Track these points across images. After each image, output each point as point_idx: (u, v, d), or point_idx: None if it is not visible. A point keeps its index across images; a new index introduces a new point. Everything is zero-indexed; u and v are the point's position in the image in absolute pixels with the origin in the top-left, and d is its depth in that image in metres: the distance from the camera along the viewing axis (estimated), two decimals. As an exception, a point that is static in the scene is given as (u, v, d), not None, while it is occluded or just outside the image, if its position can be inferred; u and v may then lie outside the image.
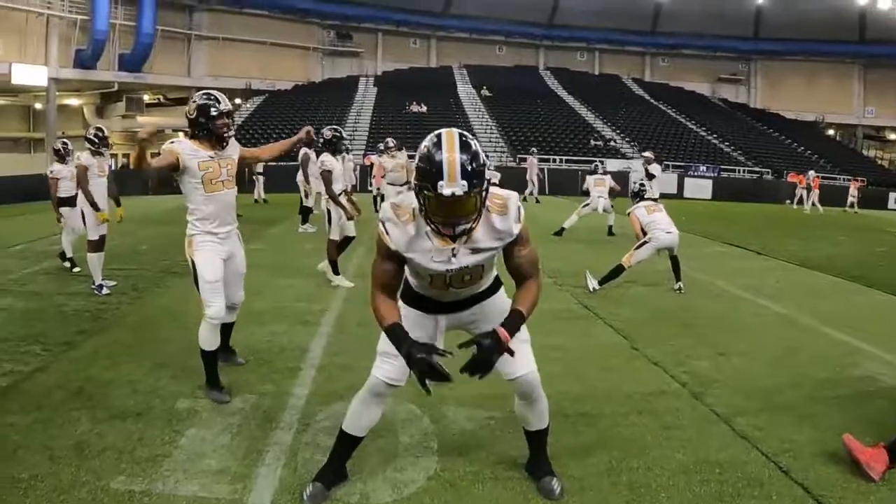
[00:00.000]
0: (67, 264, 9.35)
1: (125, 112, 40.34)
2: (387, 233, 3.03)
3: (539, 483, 3.47)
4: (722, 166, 36.77)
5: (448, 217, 2.89)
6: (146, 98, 42.66)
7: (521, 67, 52.03)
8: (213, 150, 4.62)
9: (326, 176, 8.50)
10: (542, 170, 29.08)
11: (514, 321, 3.03)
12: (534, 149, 28.82)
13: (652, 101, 47.54)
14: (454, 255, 3.02)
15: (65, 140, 10.25)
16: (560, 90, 48.32)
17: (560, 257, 10.95)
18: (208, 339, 4.63)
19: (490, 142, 36.75)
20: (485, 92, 44.45)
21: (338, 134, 8.99)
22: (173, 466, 3.60)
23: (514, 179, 22.22)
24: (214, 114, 4.55)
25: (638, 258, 8.53)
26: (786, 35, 50.19)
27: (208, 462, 3.67)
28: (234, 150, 4.81)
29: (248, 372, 5.16)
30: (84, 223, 8.33)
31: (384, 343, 3.20)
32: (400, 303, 3.26)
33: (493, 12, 49.06)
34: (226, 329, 5.08)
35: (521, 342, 3.24)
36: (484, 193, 2.90)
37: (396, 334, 2.99)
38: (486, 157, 2.97)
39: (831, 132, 52.53)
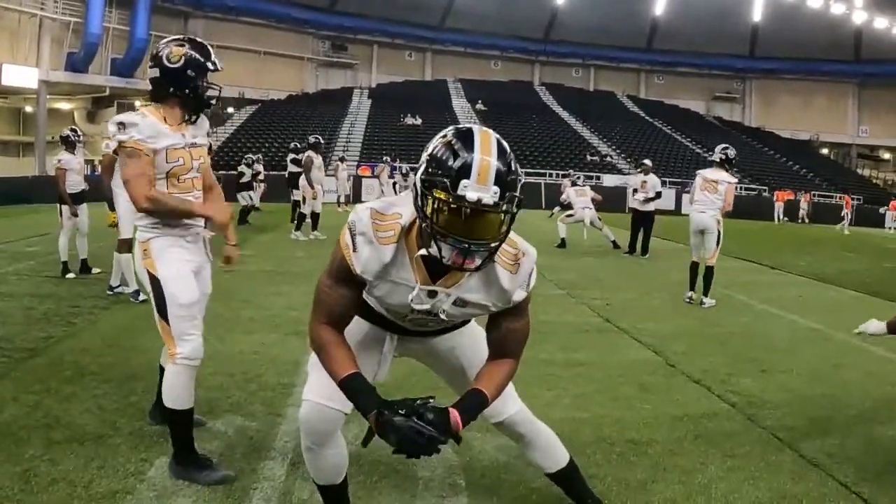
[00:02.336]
0: (72, 275, 8.48)
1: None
2: (354, 249, 2.18)
3: None
4: (717, 182, 36.43)
5: (463, 234, 1.98)
6: (138, 104, 41.92)
7: (516, 82, 51.94)
8: (181, 131, 3.34)
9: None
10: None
11: (472, 405, 2.20)
12: (572, 171, 28.08)
13: (647, 118, 47.61)
14: (431, 297, 2.24)
15: (73, 127, 9.42)
16: (555, 106, 48.29)
17: (573, 269, 10.56)
18: (181, 391, 3.19)
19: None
20: (479, 106, 44.20)
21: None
22: (138, 505, 2.90)
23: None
24: (211, 68, 3.36)
25: None
26: (781, 54, 50.39)
27: (182, 501, 2.98)
28: (202, 133, 3.53)
29: (232, 388, 4.46)
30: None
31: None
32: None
33: (489, 27, 49.07)
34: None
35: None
36: (512, 218, 2.05)
37: (355, 389, 2.15)
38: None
39: (825, 151, 52.59)
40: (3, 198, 20.50)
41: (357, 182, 30.51)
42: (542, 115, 45.37)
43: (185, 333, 3.19)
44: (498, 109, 43.17)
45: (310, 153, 13.67)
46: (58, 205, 8.81)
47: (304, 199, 13.88)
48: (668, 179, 33.51)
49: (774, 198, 34.33)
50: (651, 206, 13.43)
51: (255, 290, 7.87)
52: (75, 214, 8.63)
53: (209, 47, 3.42)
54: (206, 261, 3.50)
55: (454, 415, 2.09)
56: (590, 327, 6.89)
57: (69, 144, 8.86)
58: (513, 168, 2.03)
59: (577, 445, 3.61)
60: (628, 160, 37.31)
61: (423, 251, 2.11)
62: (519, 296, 2.28)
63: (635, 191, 13.72)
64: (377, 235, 2.16)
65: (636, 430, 4.04)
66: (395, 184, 27.55)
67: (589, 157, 36.90)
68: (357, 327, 2.46)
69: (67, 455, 3.34)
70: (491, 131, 2.09)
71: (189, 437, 3.23)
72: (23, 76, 32.80)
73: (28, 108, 37.72)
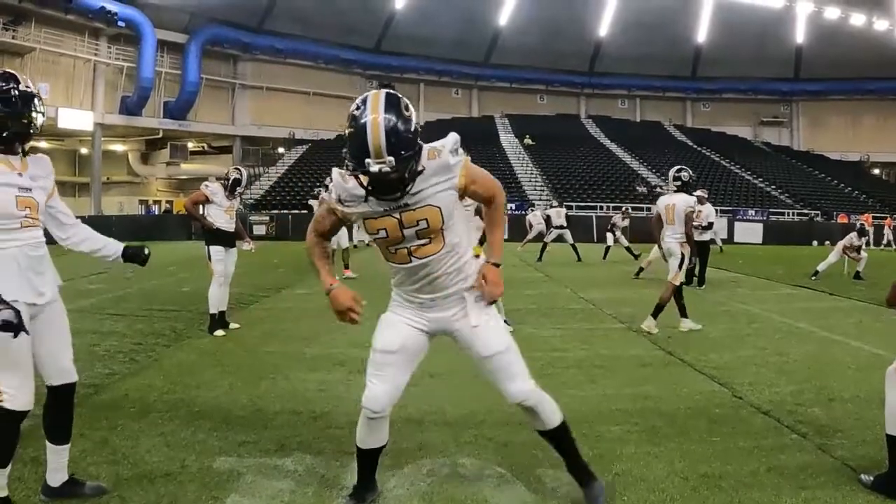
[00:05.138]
0: (221, 332, 7.59)
1: (169, 159, 40.87)
2: (329, 191, 3.11)
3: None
4: (770, 209, 35.88)
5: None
6: (190, 146, 43.07)
7: (562, 116, 52.08)
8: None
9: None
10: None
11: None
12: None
13: (694, 146, 47.18)
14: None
15: (239, 168, 8.34)
16: (602, 137, 48.21)
17: (631, 302, 10.36)
18: (358, 431, 3.31)
19: (535, 190, 36.37)
20: (527, 141, 44.22)
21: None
22: (210, 544, 2.85)
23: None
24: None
25: None
26: (827, 74, 49.76)
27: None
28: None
29: (300, 426, 4.42)
30: None
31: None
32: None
33: (534, 61, 49.45)
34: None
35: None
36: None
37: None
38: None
39: (877, 171, 51.23)
40: (61, 237, 20.90)
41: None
42: (589, 147, 45.35)
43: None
44: (546, 143, 43.24)
45: (322, 194, 13.44)
46: (206, 246, 7.84)
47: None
48: (719, 208, 33.08)
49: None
50: (706, 236, 13.17)
51: (316, 328, 7.84)
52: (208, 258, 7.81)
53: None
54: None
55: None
56: (653, 360, 6.70)
57: (232, 187, 7.96)
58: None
59: (650, 481, 3.55)
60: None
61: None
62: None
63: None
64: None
65: (708, 464, 3.90)
66: None
67: (638, 189, 36.54)
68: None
69: (137, 492, 3.33)
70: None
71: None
72: (78, 119, 33.93)
73: (83, 150, 38.90)
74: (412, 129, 2.79)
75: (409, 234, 2.96)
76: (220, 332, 7.55)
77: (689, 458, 3.96)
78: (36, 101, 3.13)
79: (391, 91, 2.84)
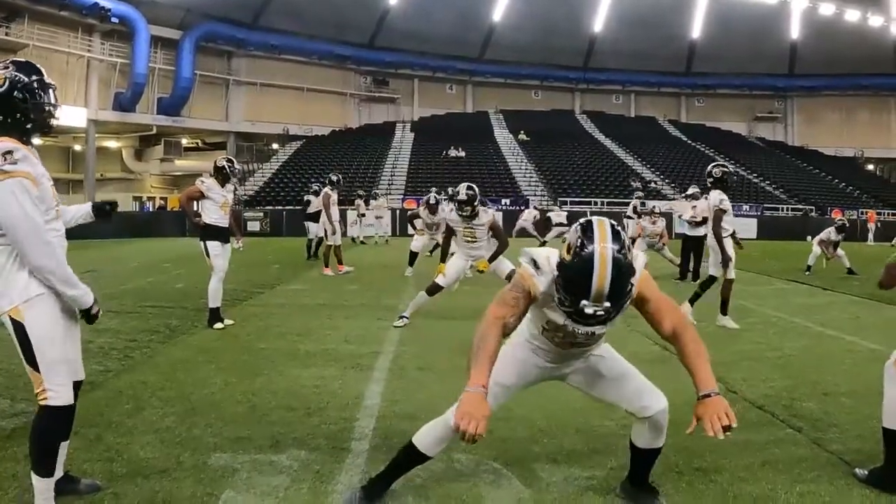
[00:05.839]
0: (220, 325, 7.64)
1: (163, 155, 40.77)
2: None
3: None
4: (765, 205, 35.96)
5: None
6: (184, 142, 42.96)
7: (557, 111, 52.03)
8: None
9: None
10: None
11: (708, 377, 2.80)
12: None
13: (689, 141, 47.23)
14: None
15: (231, 158, 8.35)
16: (597, 133, 48.24)
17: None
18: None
19: (529, 186, 36.36)
20: (522, 136, 44.25)
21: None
22: (205, 540, 2.84)
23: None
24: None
25: None
26: (821, 70, 49.84)
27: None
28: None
29: (295, 422, 4.41)
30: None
31: None
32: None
33: (528, 57, 49.41)
34: None
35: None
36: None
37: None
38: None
39: (871, 167, 51.34)
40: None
41: (402, 214, 30.38)
42: (584, 143, 45.34)
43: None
44: (540, 139, 43.28)
45: (326, 190, 13.49)
46: (201, 242, 7.81)
47: (326, 234, 13.53)
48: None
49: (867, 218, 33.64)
50: (701, 231, 13.18)
51: (310, 324, 7.87)
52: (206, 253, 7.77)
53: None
54: None
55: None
56: (649, 356, 6.68)
57: (223, 176, 7.93)
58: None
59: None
60: (673, 185, 36.93)
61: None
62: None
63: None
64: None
65: (703, 459, 3.92)
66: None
67: (633, 184, 36.56)
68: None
69: (131, 489, 3.31)
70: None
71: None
72: (72, 116, 33.71)
73: (77, 147, 38.74)
74: (633, 271, 2.64)
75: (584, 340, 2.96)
76: (219, 326, 7.59)
77: (683, 453, 3.95)
78: (54, 93, 3.14)
79: (614, 223, 2.64)
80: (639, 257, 2.75)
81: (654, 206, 14.36)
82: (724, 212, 8.12)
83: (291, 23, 42.96)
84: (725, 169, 8.50)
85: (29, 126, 3.05)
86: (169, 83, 38.78)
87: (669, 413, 3.15)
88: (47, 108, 3.11)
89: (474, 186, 7.72)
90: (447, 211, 7.73)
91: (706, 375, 2.74)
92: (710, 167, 8.59)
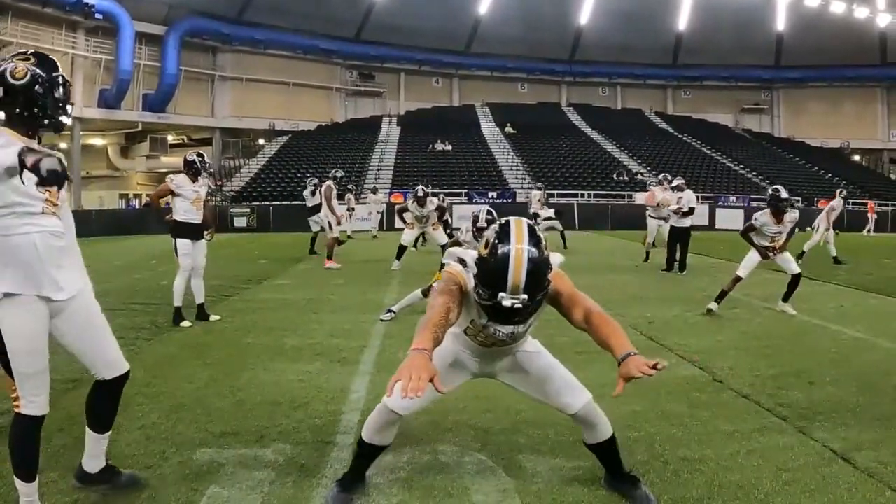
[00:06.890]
0: (187, 323, 7.60)
1: (149, 152, 40.50)
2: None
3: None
4: (751, 196, 36.08)
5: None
6: (170, 138, 42.73)
7: (543, 104, 51.91)
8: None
9: None
10: None
11: (624, 343, 2.79)
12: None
13: (676, 133, 47.27)
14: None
15: (202, 153, 8.14)
16: (583, 125, 48.18)
17: (612, 287, 10.50)
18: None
19: (517, 179, 36.30)
20: (508, 129, 44.21)
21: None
22: (190, 536, 2.84)
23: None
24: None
25: None
26: (807, 62, 49.94)
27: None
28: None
29: (280, 416, 4.42)
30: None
31: None
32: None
33: (514, 50, 49.25)
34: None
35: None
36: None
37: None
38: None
39: (857, 158, 51.59)
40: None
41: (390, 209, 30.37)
42: (570, 135, 45.27)
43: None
44: (526, 132, 43.20)
45: (329, 184, 13.66)
46: (172, 239, 7.75)
47: (329, 226, 13.65)
48: (700, 194, 33.23)
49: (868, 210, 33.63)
50: (687, 222, 13.21)
51: (296, 319, 7.88)
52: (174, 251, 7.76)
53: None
54: None
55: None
56: (635, 346, 6.73)
57: (193, 171, 7.78)
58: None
59: (630, 465, 3.58)
60: (659, 177, 36.95)
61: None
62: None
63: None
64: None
65: (688, 448, 3.96)
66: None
67: (616, 177, 36.64)
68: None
69: (117, 486, 3.30)
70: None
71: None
72: (57, 114, 33.45)
73: (62, 145, 38.39)
74: (549, 266, 2.77)
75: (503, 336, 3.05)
76: (185, 324, 7.55)
77: (669, 442, 4.01)
78: (70, 92, 3.10)
79: (530, 221, 2.80)
80: (555, 256, 2.87)
81: (682, 181, 14.29)
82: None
83: (277, 17, 42.65)
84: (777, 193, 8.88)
85: (46, 122, 3.02)
86: (154, 79, 38.47)
87: (655, 405, 3.17)
88: (63, 106, 3.06)
89: (493, 211, 7.59)
90: (463, 231, 7.65)
91: (622, 342, 2.76)
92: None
